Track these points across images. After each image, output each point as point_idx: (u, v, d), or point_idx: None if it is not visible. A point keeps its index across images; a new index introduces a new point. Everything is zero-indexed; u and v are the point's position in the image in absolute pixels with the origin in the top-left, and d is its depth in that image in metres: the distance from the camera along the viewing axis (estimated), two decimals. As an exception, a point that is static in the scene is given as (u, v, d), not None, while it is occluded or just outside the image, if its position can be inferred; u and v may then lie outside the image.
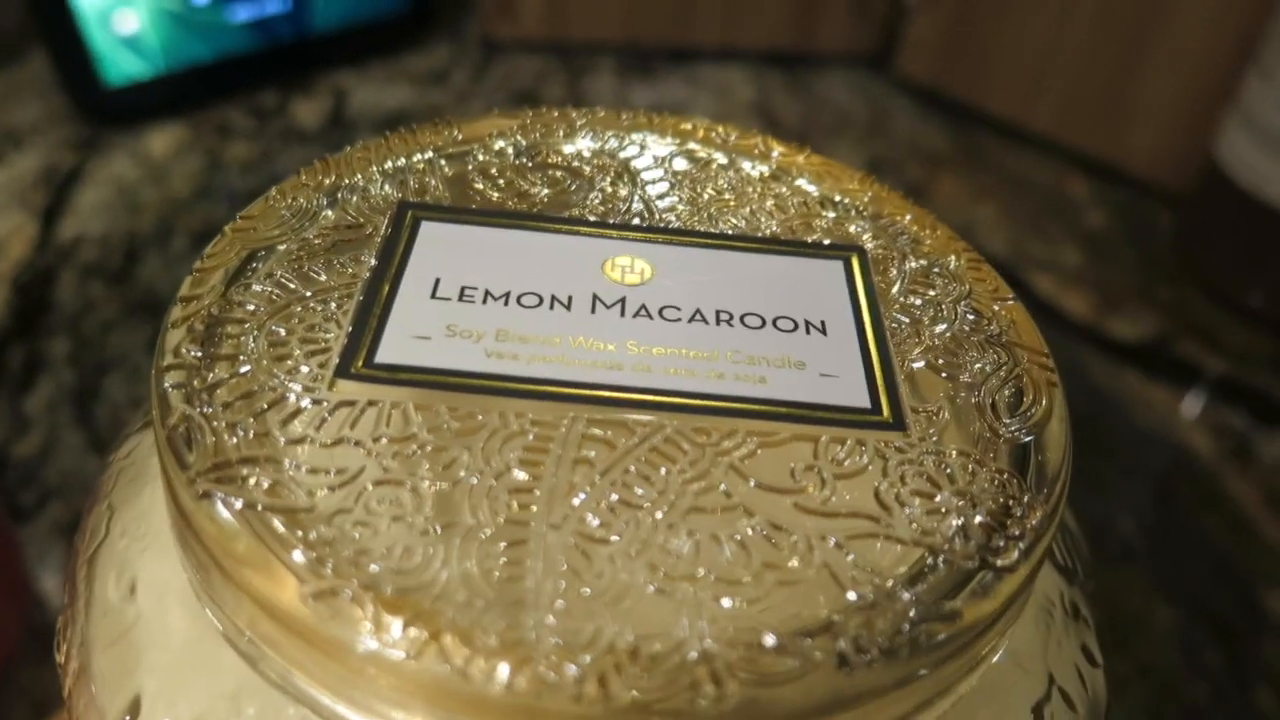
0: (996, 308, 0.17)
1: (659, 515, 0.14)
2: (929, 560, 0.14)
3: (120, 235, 0.40)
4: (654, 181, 0.19)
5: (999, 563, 0.14)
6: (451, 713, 0.12)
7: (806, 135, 0.50)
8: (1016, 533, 0.14)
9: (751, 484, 0.14)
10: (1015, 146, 0.51)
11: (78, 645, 0.16)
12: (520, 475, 0.14)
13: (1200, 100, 0.46)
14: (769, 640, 0.12)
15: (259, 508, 0.13)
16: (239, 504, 0.13)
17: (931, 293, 0.18)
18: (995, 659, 0.15)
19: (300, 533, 0.13)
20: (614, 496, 0.14)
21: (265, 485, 0.13)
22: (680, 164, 0.20)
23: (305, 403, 0.14)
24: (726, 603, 0.13)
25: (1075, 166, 0.50)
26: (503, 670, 0.12)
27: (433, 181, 0.18)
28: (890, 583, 0.13)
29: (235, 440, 0.14)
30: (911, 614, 0.13)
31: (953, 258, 0.18)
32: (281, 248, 0.17)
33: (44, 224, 0.40)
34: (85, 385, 0.35)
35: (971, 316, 0.17)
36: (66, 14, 0.42)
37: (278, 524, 0.13)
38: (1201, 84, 0.45)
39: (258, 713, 0.14)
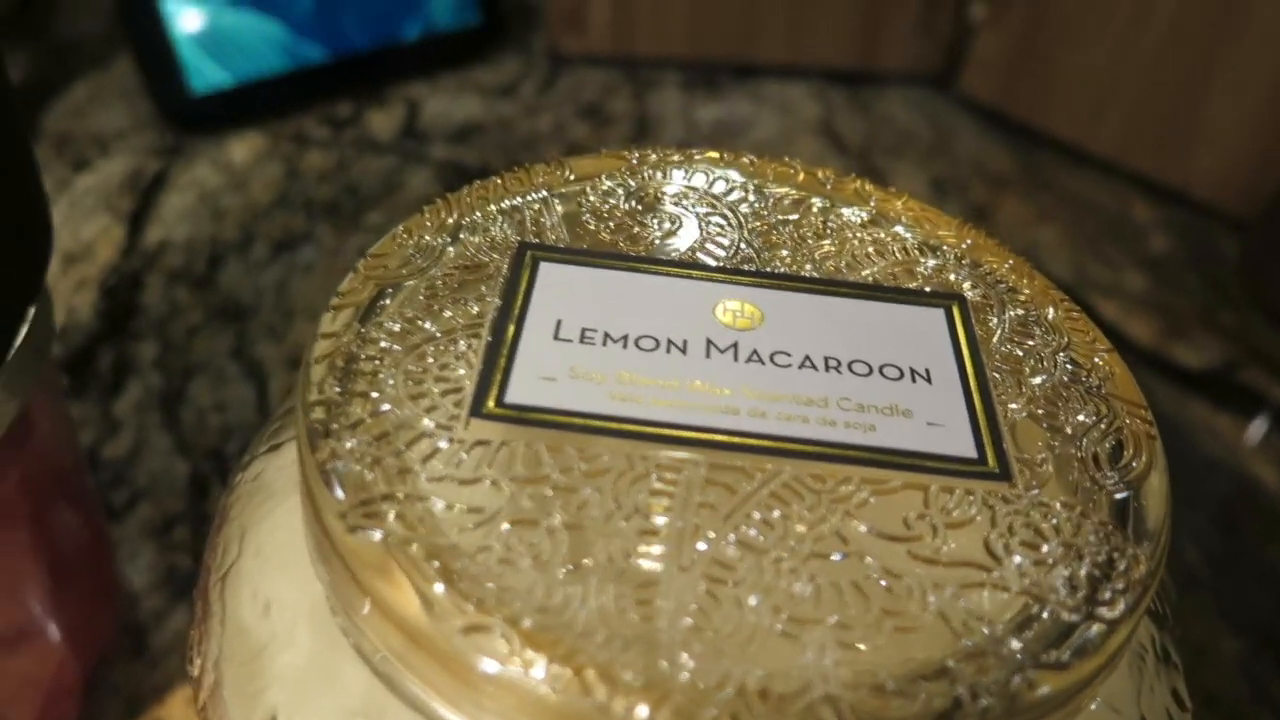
0: (1096, 360, 0.18)
1: (781, 559, 0.14)
2: (1035, 610, 0.14)
3: (203, 241, 0.41)
4: (758, 225, 0.20)
5: (1106, 615, 0.14)
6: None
7: (869, 154, 0.50)
8: (1121, 586, 0.15)
9: (865, 530, 0.15)
10: (1078, 168, 0.51)
11: (212, 661, 0.17)
12: (648, 518, 0.15)
13: (1267, 124, 0.46)
14: (889, 684, 0.13)
15: (407, 542, 0.14)
16: (386, 537, 0.14)
17: (1030, 343, 0.18)
18: (1094, 706, 0.16)
19: (446, 568, 0.14)
20: (736, 540, 0.14)
21: (410, 520, 0.14)
22: (782, 207, 0.20)
23: (443, 442, 0.15)
24: (848, 646, 0.13)
25: (1138, 189, 0.50)
26: (643, 710, 0.13)
27: (547, 221, 0.19)
28: (1000, 630, 0.14)
29: (378, 476, 0.15)
30: (1021, 662, 0.14)
31: (1050, 308, 0.19)
32: (410, 284, 0.18)
33: (130, 229, 0.42)
34: (171, 389, 0.36)
35: (1070, 367, 0.18)
36: (155, 22, 0.43)
37: (425, 558, 0.14)
38: (1268, 108, 0.45)
39: (391, 731, 0.15)
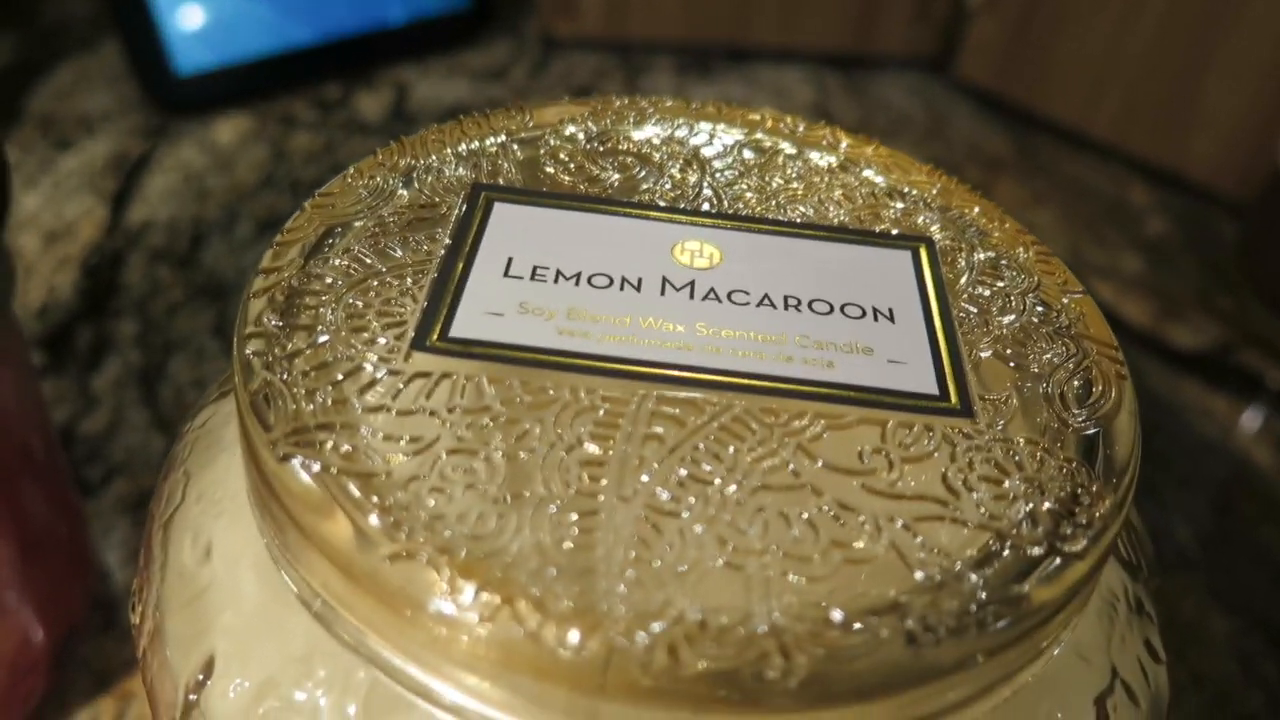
0: (1065, 300, 0.17)
1: (728, 492, 0.14)
2: (996, 545, 0.14)
3: (187, 221, 0.41)
4: (722, 169, 0.19)
5: (1067, 549, 0.14)
6: (520, 677, 0.13)
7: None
8: (1085, 521, 0.14)
9: (819, 464, 0.14)
10: (1075, 152, 0.50)
11: (153, 607, 0.17)
12: (591, 448, 0.14)
13: (1264, 107, 0.45)
14: (837, 616, 0.13)
15: (337, 471, 0.13)
16: (318, 467, 0.13)
17: (1000, 284, 0.18)
18: (1058, 650, 0.15)
19: (377, 497, 0.13)
20: (683, 472, 0.14)
21: (343, 450, 0.14)
22: (748, 153, 0.20)
23: (381, 373, 0.15)
24: (795, 579, 0.13)
25: (1135, 173, 0.49)
26: (574, 635, 0.12)
27: (505, 165, 0.19)
28: (958, 565, 0.13)
29: (314, 406, 0.14)
30: (979, 596, 0.13)
31: (1021, 250, 0.18)
32: (359, 224, 0.17)
33: (113, 209, 0.41)
34: (151, 365, 0.36)
35: (1040, 308, 0.17)
36: (141, 4, 0.43)
37: (355, 488, 0.13)
38: (1266, 91, 0.45)
39: (328, 674, 0.15)
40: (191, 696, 0.15)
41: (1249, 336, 0.41)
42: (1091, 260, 0.44)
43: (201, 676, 0.15)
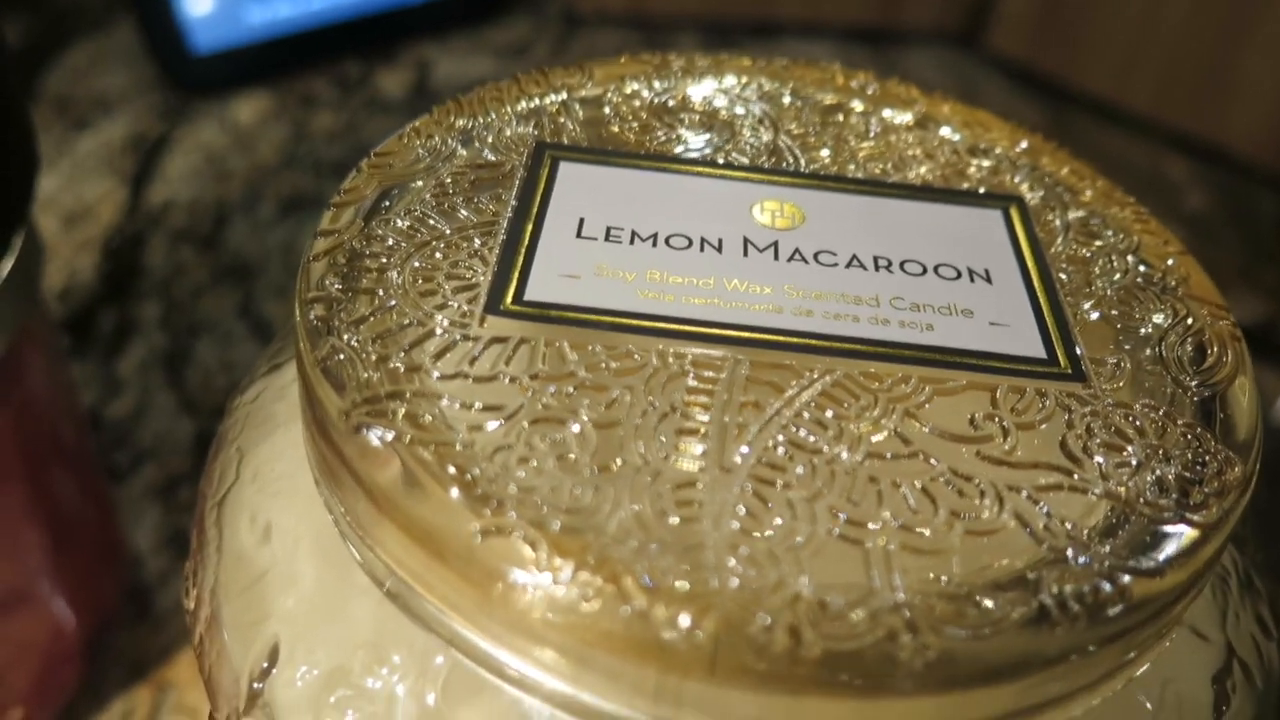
0: (1169, 261, 0.16)
1: (835, 460, 0.13)
2: (1125, 514, 0.13)
3: (209, 202, 0.40)
4: (795, 127, 0.18)
5: (1198, 519, 0.13)
6: (616, 659, 0.12)
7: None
8: (1215, 488, 0.13)
9: (929, 430, 0.13)
10: (1111, 126, 0.49)
11: (209, 591, 0.16)
12: (686, 416, 0.13)
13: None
14: (965, 592, 0.12)
15: (414, 441, 0.12)
16: (393, 437, 0.13)
17: (1098, 244, 0.17)
18: (1179, 629, 0.14)
19: (460, 468, 0.12)
20: (786, 440, 0.13)
21: (422, 419, 0.13)
22: (820, 111, 0.19)
23: (455, 337, 0.14)
24: (916, 551, 0.12)
25: (1173, 146, 0.48)
26: (685, 618, 0.11)
27: (568, 123, 0.18)
28: (1086, 535, 0.12)
29: (385, 373, 0.13)
30: (1111, 569, 0.12)
31: (1116, 208, 0.17)
32: (418, 184, 0.16)
33: (133, 190, 0.40)
34: (177, 348, 0.35)
35: (1143, 268, 0.16)
36: (156, -18, 0.42)
37: (436, 459, 0.12)
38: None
39: (403, 660, 0.14)
40: (256, 685, 0.14)
41: (1297, 310, 0.40)
42: (1133, 234, 0.43)
43: (266, 664, 0.14)
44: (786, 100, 0.19)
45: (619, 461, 0.12)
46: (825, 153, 0.18)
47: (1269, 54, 0.45)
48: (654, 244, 0.16)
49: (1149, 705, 0.14)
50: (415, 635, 0.14)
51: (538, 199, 0.16)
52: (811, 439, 0.13)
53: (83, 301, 0.36)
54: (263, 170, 0.42)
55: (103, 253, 0.38)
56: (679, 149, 0.18)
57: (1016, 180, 0.18)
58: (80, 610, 0.27)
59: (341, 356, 0.13)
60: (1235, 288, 0.41)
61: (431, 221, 0.16)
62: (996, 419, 0.14)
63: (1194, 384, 0.15)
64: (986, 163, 0.18)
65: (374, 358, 0.13)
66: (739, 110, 0.19)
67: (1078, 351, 0.15)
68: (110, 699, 0.27)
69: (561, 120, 0.18)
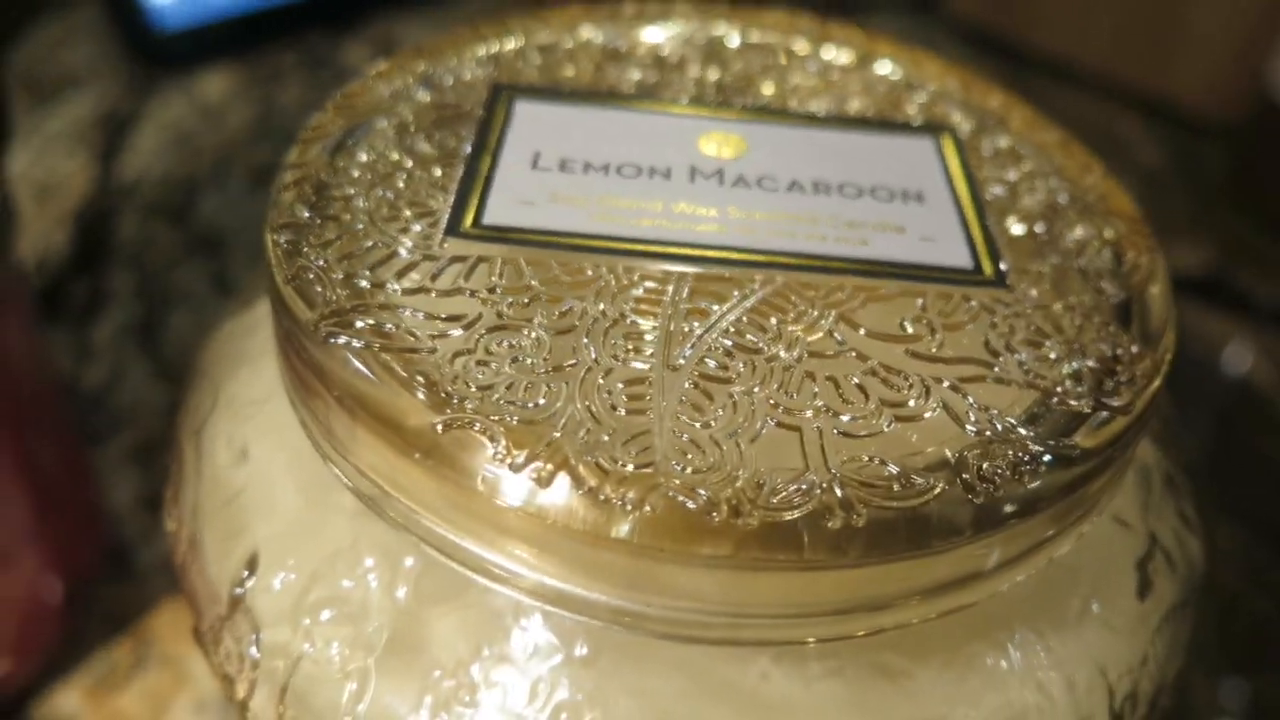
0: (1090, 179, 0.17)
1: (775, 359, 0.14)
2: (1043, 402, 0.14)
3: (179, 176, 0.41)
4: (740, 67, 0.19)
5: (1113, 403, 0.14)
6: (576, 544, 0.13)
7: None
8: (1127, 378, 0.14)
9: (862, 332, 0.14)
10: (1066, 85, 0.50)
11: (189, 512, 0.17)
12: (636, 322, 0.14)
13: (1252, 30, 0.45)
14: (894, 470, 0.13)
15: (380, 349, 0.13)
16: (361, 345, 0.13)
17: (1025, 168, 0.18)
18: (1099, 516, 0.15)
19: (425, 371, 0.13)
20: (729, 343, 0.14)
21: (386, 328, 0.14)
22: (764, 52, 0.20)
23: (417, 257, 0.15)
24: (849, 437, 0.13)
25: (1126, 104, 0.49)
26: (633, 496, 0.12)
27: (523, 67, 0.19)
28: (1008, 421, 0.13)
29: (352, 290, 0.14)
30: (1031, 449, 0.13)
31: (1042, 133, 0.18)
32: (381, 122, 0.17)
33: (104, 164, 0.41)
34: (151, 318, 0.35)
35: (1066, 188, 0.17)
36: (120, -42, 0.42)
37: (400, 363, 0.13)
38: (1253, 13, 0.45)
39: (376, 561, 0.15)
40: (237, 591, 0.15)
41: (1243, 257, 0.42)
42: (1086, 190, 0.44)
43: (246, 573, 0.15)
44: (732, 43, 0.20)
45: (572, 363, 0.13)
46: (768, 90, 0.19)
47: (1214, 8, 0.46)
48: (605, 173, 0.16)
49: (1075, 584, 0.15)
50: (388, 539, 0.14)
51: (495, 135, 0.17)
52: (752, 340, 0.14)
53: (56, 273, 0.37)
54: (232, 144, 0.42)
55: (75, 226, 0.38)
56: (629, 89, 0.18)
57: (949, 112, 0.19)
58: (60, 568, 0.27)
59: (310, 275, 0.14)
60: (1184, 238, 0.42)
61: (394, 156, 0.16)
62: (925, 321, 0.15)
63: (1111, 288, 0.16)
64: (921, 97, 0.19)
65: (341, 275, 0.14)
66: (687, 53, 0.19)
67: (1002, 264, 0.16)
68: (92, 653, 0.27)
69: (518, 65, 0.19)
